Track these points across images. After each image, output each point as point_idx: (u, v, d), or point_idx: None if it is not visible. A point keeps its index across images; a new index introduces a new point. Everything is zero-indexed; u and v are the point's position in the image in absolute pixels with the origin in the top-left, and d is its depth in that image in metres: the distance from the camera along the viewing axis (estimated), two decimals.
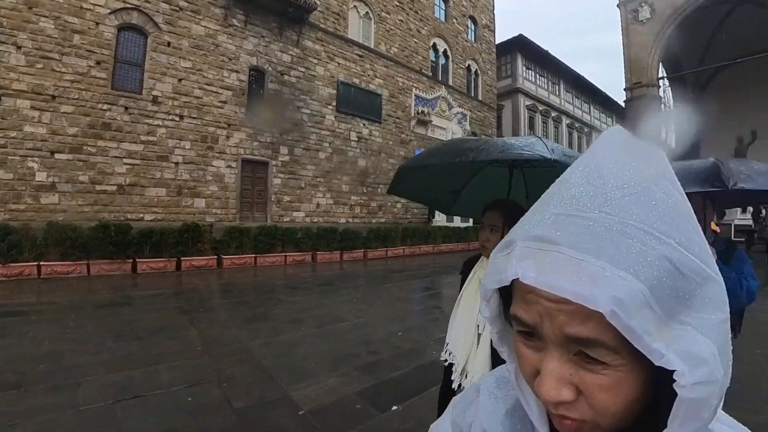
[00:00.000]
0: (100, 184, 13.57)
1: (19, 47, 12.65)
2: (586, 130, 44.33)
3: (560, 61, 38.36)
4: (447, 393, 1.82)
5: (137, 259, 9.09)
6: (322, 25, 20.21)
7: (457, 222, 20.68)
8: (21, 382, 3.91)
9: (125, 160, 14.06)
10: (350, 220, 20.53)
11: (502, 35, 33.37)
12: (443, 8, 28.06)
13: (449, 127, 27.16)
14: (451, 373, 1.78)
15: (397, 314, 7.52)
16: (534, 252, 0.41)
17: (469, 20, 30.34)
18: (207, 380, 4.22)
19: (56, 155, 12.86)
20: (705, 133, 30.71)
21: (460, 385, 1.73)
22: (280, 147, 18.19)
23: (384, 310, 7.83)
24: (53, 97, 12.88)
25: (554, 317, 0.40)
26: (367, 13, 22.86)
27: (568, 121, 41.37)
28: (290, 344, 5.50)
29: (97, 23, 13.93)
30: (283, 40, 18.61)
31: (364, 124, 21.98)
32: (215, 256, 10.44)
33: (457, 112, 27.76)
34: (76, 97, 13.26)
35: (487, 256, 1.74)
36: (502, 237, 1.62)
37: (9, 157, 12.31)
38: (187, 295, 8.17)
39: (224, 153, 16.39)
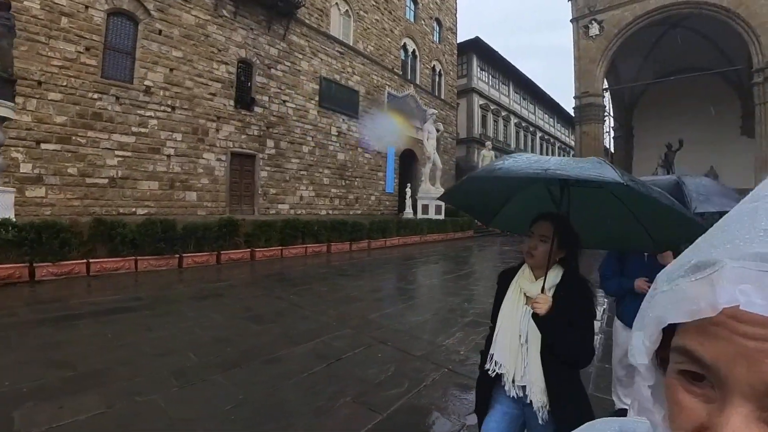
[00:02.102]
0: (90, 176, 12.38)
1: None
2: (531, 129, 45.93)
3: (512, 64, 39.44)
4: (482, 399, 1.82)
5: (183, 255, 8.79)
6: (307, 21, 19.46)
7: (431, 215, 20.93)
8: (237, 361, 4.07)
9: (117, 152, 12.90)
10: (330, 211, 20.22)
11: (459, 34, 33.47)
12: (413, 9, 27.86)
13: (417, 124, 27.24)
14: (486, 381, 1.78)
15: (449, 289, 8.46)
16: (757, 274, 0.28)
17: (435, 22, 30.35)
18: (373, 344, 4.78)
19: (43, 145, 11.57)
20: (638, 139, 32.84)
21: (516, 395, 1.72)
22: (267, 140, 17.47)
23: (436, 287, 8.83)
24: (39, 83, 11.52)
25: (756, 361, 0.28)
26: (347, 11, 22.25)
27: (515, 121, 42.63)
28: (399, 315, 6.19)
29: (87, 6, 12.54)
30: (271, 34, 17.75)
31: (343, 120, 21.59)
32: (249, 249, 10.32)
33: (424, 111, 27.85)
34: (65, 84, 11.95)
35: (532, 265, 1.77)
36: (551, 248, 1.66)
37: None
38: (262, 284, 8.18)
39: (214, 146, 15.50)
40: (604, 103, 30.76)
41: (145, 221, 8.63)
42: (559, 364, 1.61)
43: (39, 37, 11.53)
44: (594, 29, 29.43)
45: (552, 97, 48.45)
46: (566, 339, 1.56)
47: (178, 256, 8.85)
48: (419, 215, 21.43)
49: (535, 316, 1.57)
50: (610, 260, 3.04)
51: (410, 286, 9.08)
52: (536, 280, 1.73)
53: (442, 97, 30.95)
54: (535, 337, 1.64)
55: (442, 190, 22.95)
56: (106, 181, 12.69)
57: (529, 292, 1.72)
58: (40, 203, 11.48)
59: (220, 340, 4.67)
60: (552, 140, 51.60)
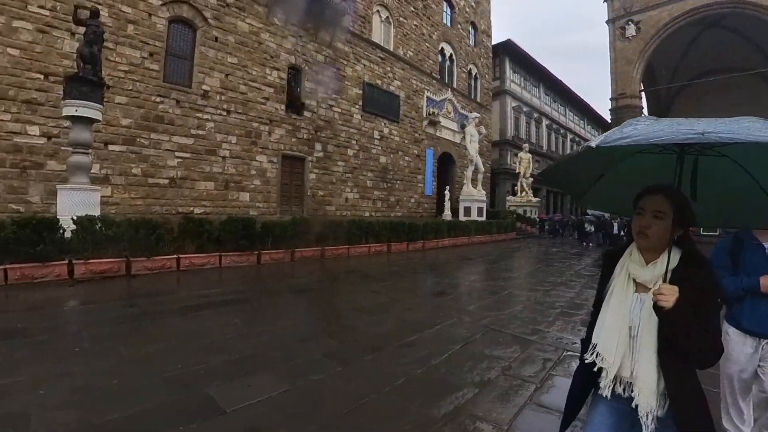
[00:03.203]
0: (152, 177, 12.51)
1: (73, 34, 11.36)
2: (562, 131, 44.77)
3: (543, 65, 38.46)
4: (580, 395, 1.58)
5: (261, 251, 8.92)
6: (351, 28, 19.33)
7: (473, 217, 20.48)
8: (376, 345, 4.23)
9: (177, 154, 13.03)
10: (373, 213, 20.00)
11: (491, 37, 32.89)
12: (449, 14, 27.47)
13: (455, 128, 26.87)
14: (586, 373, 1.51)
15: (524, 284, 8.61)
16: None
17: (470, 26, 29.86)
18: (487, 330, 4.96)
19: (110, 147, 11.73)
20: None
21: (614, 392, 1.45)
22: (315, 143, 17.42)
23: (510, 283, 8.88)
24: (107, 87, 11.65)
25: None
26: (387, 17, 22.08)
27: (547, 122, 41.61)
28: (493, 307, 6.24)
29: (150, 14, 12.71)
30: (318, 41, 17.70)
31: (384, 124, 21.39)
32: (320, 247, 10.41)
33: (461, 114, 27.43)
34: (130, 88, 12.10)
35: (644, 246, 1.44)
36: (670, 226, 1.37)
37: (62, 148, 11.11)
38: (346, 280, 8.33)
39: (266, 148, 15.52)
40: (641, 104, 29.64)
41: (228, 220, 8.72)
42: (682, 364, 1.32)
43: (107, 44, 11.64)
44: (630, 30, 28.43)
45: (582, 98, 47.16)
46: (694, 334, 1.26)
47: (257, 252, 8.92)
48: (461, 217, 20.96)
49: (657, 309, 1.28)
50: (719, 255, 2.40)
51: (487, 282, 9.08)
52: (647, 264, 1.44)
53: (478, 100, 30.43)
54: (649, 330, 1.37)
55: (484, 193, 22.54)
56: (166, 181, 12.81)
57: (640, 278, 1.45)
58: (107, 202, 11.57)
59: (346, 328, 4.87)
60: (583, 141, 50.17)
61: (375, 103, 20.67)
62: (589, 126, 52.85)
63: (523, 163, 28.98)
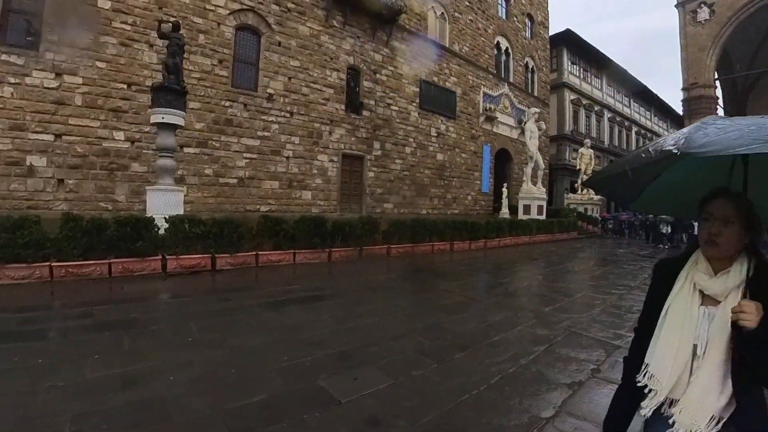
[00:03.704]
0: (222, 177, 13.11)
1: (151, 45, 12.11)
2: (626, 124, 42.16)
3: (604, 54, 36.21)
4: (622, 415, 1.44)
5: (332, 249, 9.18)
6: (407, 26, 19.23)
7: (533, 215, 19.72)
8: (463, 344, 4.27)
9: (244, 155, 13.57)
10: (430, 211, 19.80)
11: (549, 28, 31.47)
12: (505, 6, 26.60)
13: (512, 123, 26.08)
14: (631, 393, 1.35)
15: (594, 286, 8.29)
16: None
17: (527, 18, 28.74)
18: (568, 333, 4.87)
19: (185, 149, 12.36)
20: None
21: (662, 414, 1.26)
22: (374, 142, 17.51)
23: (580, 284, 8.74)
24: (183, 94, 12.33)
25: None
26: (442, 13, 21.73)
27: (609, 115, 39.30)
28: (567, 309, 6.12)
29: (219, 24, 13.29)
30: (375, 41, 17.77)
31: (441, 121, 21.09)
32: (386, 245, 10.55)
33: (518, 109, 26.57)
34: (202, 94, 12.70)
35: (714, 255, 1.23)
36: (741, 232, 1.20)
37: (143, 152, 11.88)
38: (417, 278, 8.42)
39: (327, 148, 15.80)
40: (716, 94, 27.21)
41: (301, 218, 8.96)
42: (756, 388, 1.18)
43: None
44: (703, 14, 26.16)
45: (648, 87, 43.93)
46: None
47: (328, 250, 9.11)
48: (520, 215, 20.26)
49: (735, 327, 1.13)
50: None
51: (558, 283, 8.77)
52: (717, 274, 1.26)
53: (536, 93, 29.26)
54: (718, 348, 1.19)
55: (544, 190, 21.67)
56: (235, 180, 13.37)
57: (709, 290, 1.26)
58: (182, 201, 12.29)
59: (431, 327, 4.86)
60: (649, 135, 46.91)
61: (432, 101, 20.40)
62: (657, 117, 49.35)
63: (584, 159, 27.44)
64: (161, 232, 7.09)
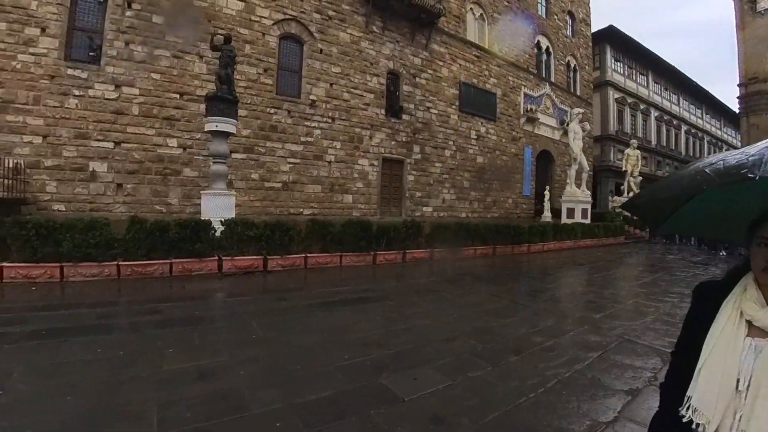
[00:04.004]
0: (268, 181, 13.53)
1: (201, 57, 12.66)
2: (675, 122, 40.21)
3: (650, 50, 34.63)
4: None
5: (377, 252, 9.33)
6: (446, 29, 19.18)
7: (577, 219, 19.10)
8: (515, 348, 4.34)
9: (289, 160, 13.96)
10: (469, 214, 19.61)
11: (591, 25, 30.51)
12: (544, 5, 26.03)
13: (554, 124, 25.49)
14: (669, 421, 1.22)
15: (646, 294, 7.82)
16: None
17: (567, 15, 27.99)
18: (622, 341, 4.72)
19: (233, 155, 12.81)
20: None
21: None
22: (413, 146, 17.55)
23: (632, 292, 8.37)
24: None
25: None
26: (481, 14, 21.53)
27: (656, 114, 37.58)
28: (618, 316, 5.91)
29: (264, 34, 13.74)
30: (414, 45, 17.84)
31: (481, 123, 20.87)
32: (429, 249, 10.56)
33: (560, 109, 25.94)
34: (249, 102, 13.14)
35: None
36: None
37: (194, 157, 12.43)
38: (461, 282, 8.32)
39: (368, 152, 16.00)
40: None
41: (347, 222, 9.14)
42: None
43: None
44: (764, 2, 24.66)
45: (699, 84, 41.64)
46: None
47: (372, 253, 9.22)
48: (563, 219, 19.67)
49: None
50: None
51: (607, 290, 8.51)
52: None
53: (578, 93, 28.41)
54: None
55: (588, 194, 20.95)
56: (280, 185, 13.77)
57: (759, 322, 1.13)
58: None
59: (481, 330, 4.84)
60: (700, 134, 44.51)
61: (471, 103, 20.23)
62: (708, 116, 46.74)
63: (631, 160, 26.35)
64: (217, 234, 7.39)
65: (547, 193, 21.54)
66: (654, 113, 37.32)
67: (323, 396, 2.91)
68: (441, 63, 18.93)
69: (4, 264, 5.89)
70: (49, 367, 3.21)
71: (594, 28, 30.77)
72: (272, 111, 13.65)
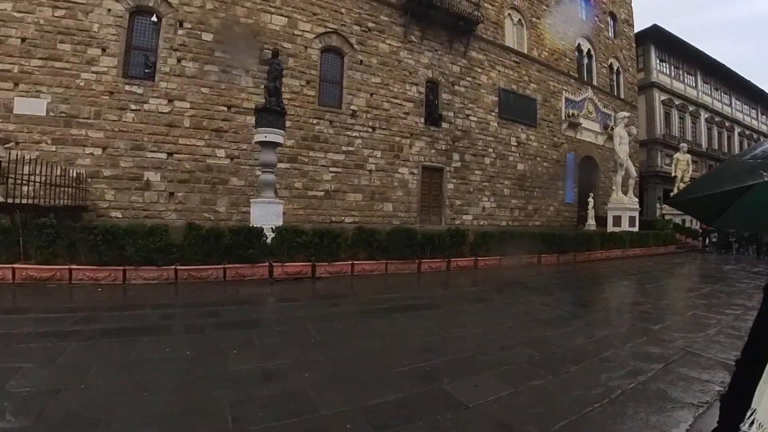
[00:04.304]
0: (311, 190, 13.84)
1: (247, 71, 13.17)
2: (727, 124, 38.17)
3: (698, 49, 33.02)
4: None
5: (421, 260, 9.30)
6: (484, 35, 19.12)
7: (624, 227, 18.41)
8: (574, 358, 4.18)
9: (331, 169, 14.25)
10: (510, 222, 19.26)
11: (634, 25, 29.53)
12: (584, 7, 25.47)
13: (597, 129, 24.82)
14: None
15: (704, 306, 7.50)
16: None
17: (608, 17, 27.24)
18: (685, 354, 4.52)
19: (278, 164, 13.17)
20: None
21: None
22: (453, 153, 17.51)
23: (688, 303, 8.03)
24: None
25: None
26: (519, 19, 21.34)
27: (706, 116, 35.77)
28: (678, 329, 5.71)
29: (306, 47, 14.16)
30: (453, 53, 17.88)
31: (522, 129, 20.55)
32: (473, 257, 10.47)
33: (604, 114, 25.24)
34: (292, 113, 13.51)
35: None
36: None
37: (241, 167, 12.90)
38: (509, 291, 8.19)
39: (408, 161, 16.09)
40: None
41: (392, 230, 9.18)
42: None
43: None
44: None
45: (753, 82, 39.27)
46: None
47: (417, 261, 9.20)
48: (609, 227, 18.98)
49: None
50: None
51: (662, 301, 8.14)
52: None
53: (622, 96, 27.49)
54: None
55: (636, 201, 20.19)
56: (322, 193, 14.07)
57: None
58: None
59: (537, 340, 4.75)
60: (755, 136, 41.95)
61: (511, 109, 19.97)
62: (765, 116, 44.08)
63: (680, 165, 25.15)
64: (268, 241, 7.62)
65: (590, 200, 20.91)
66: (704, 115, 35.60)
67: (389, 400, 2.94)
68: (480, 70, 18.86)
69: (73, 266, 6.25)
70: (124, 364, 3.37)
71: (637, 28, 29.76)
72: (315, 121, 14.00)
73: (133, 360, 3.46)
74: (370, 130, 15.20)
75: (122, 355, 3.55)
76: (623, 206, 19.33)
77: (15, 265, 6.06)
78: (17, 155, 7.89)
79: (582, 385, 3.45)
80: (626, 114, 20.78)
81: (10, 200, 7.61)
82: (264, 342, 4.16)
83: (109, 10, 11.85)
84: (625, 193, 20.12)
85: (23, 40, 11.11)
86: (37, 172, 8.36)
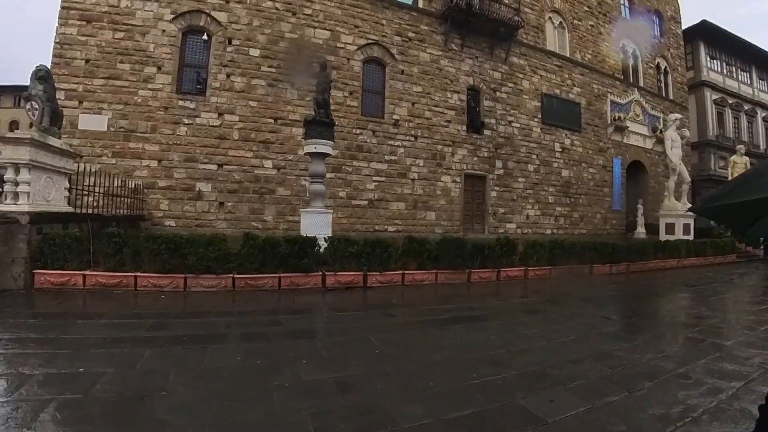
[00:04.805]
0: (354, 199, 14.05)
1: (292, 84, 13.58)
2: None
3: (752, 44, 31.25)
4: None
5: (471, 270, 9.24)
6: (525, 40, 18.93)
7: (679, 235, 17.61)
8: (648, 374, 4.02)
9: (374, 178, 14.42)
10: (555, 231, 18.82)
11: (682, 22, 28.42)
12: (627, 6, 24.79)
13: (645, 132, 24.02)
14: None
15: None
16: None
17: (654, 15, 26.41)
18: None
19: None
20: None
21: None
22: (496, 161, 17.34)
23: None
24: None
25: None
26: (561, 22, 21.01)
27: (764, 114, 33.76)
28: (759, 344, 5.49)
29: (348, 59, 14.48)
30: (494, 59, 17.78)
31: (566, 134, 20.09)
32: (523, 267, 10.35)
33: (652, 116, 24.40)
34: (336, 123, 13.69)
35: None
36: None
37: (287, 177, 13.27)
38: (564, 302, 8.01)
39: (450, 169, 16.08)
40: None
41: (442, 240, 9.16)
42: None
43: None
44: None
45: None
46: None
47: (467, 271, 9.16)
48: (662, 235, 18.22)
49: None
50: None
51: (728, 314, 7.74)
52: None
53: (671, 97, 26.45)
54: None
55: (690, 206, 19.34)
56: (365, 202, 14.25)
57: None
58: None
59: (604, 354, 4.61)
60: None
61: (554, 114, 19.60)
62: None
63: (738, 167, 23.80)
64: (321, 250, 7.79)
65: (640, 207, 20.18)
66: (761, 114, 33.68)
67: (467, 413, 2.92)
68: (521, 75, 18.66)
69: (138, 273, 6.57)
70: (200, 372, 3.46)
71: (684, 25, 28.64)
72: (358, 131, 14.25)
73: (207, 367, 3.57)
74: (413, 138, 15.31)
75: (196, 363, 3.66)
76: (677, 213, 18.51)
77: (86, 272, 6.44)
78: (82, 168, 8.42)
79: (660, 403, 3.36)
80: (678, 116, 19.98)
81: (78, 210, 8.14)
82: (330, 352, 4.19)
83: (164, 30, 12.56)
84: (678, 199, 19.29)
85: (87, 61, 11.93)
86: (99, 183, 8.89)
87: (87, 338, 4.19)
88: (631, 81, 24.12)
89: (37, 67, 7.23)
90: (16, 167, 6.72)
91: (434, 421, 2.77)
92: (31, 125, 7.33)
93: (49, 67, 7.55)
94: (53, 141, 7.27)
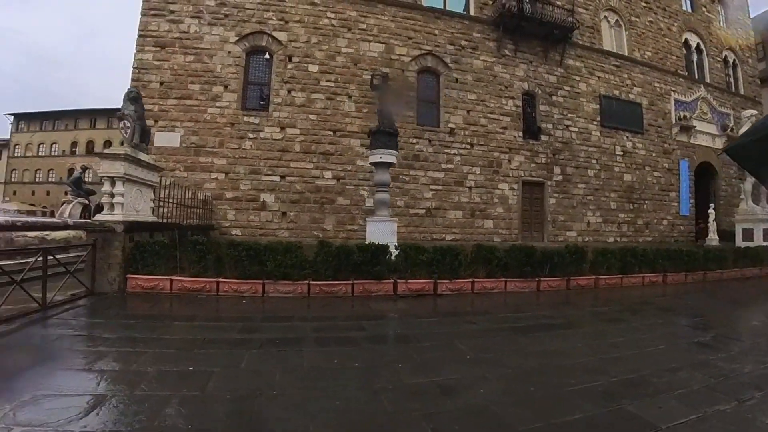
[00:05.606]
0: (412, 207, 14.22)
1: (350, 97, 14.03)
2: None
3: None
4: None
5: (540, 278, 9.13)
6: (580, 42, 18.53)
7: (759, 241, 16.46)
8: (731, 389, 3.74)
9: (431, 187, 14.54)
10: (618, 238, 18.09)
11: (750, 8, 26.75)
12: None
13: (714, 131, 22.78)
14: None
15: None
16: None
17: (718, 4, 25.04)
18: None
19: None
20: None
21: None
22: (554, 167, 16.96)
23: None
24: None
25: None
26: (617, 20, 20.41)
27: None
28: None
29: (403, 70, 14.78)
30: (548, 62, 17.49)
31: (627, 137, 19.31)
32: (593, 276, 10.08)
33: (721, 113, 23.12)
34: None
35: None
36: None
37: (346, 187, 13.66)
38: (643, 311, 7.71)
39: (507, 176, 15.90)
40: None
41: (512, 248, 9.11)
42: None
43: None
44: None
45: None
46: None
47: (537, 279, 9.05)
48: (738, 242, 17.12)
49: None
50: None
51: None
52: None
53: (741, 92, 24.77)
54: None
55: None
56: (423, 211, 14.38)
57: None
58: None
59: (701, 363, 4.43)
60: None
61: (614, 116, 18.92)
62: None
63: None
64: (392, 258, 7.99)
65: (711, 212, 19.07)
66: None
67: (576, 418, 2.90)
68: (577, 78, 18.24)
69: (220, 279, 6.98)
70: (303, 372, 3.57)
71: (754, 12, 26.97)
72: (414, 141, 14.48)
73: (309, 368, 3.68)
74: (469, 146, 15.33)
75: (296, 364, 3.78)
76: (756, 218, 17.35)
77: (172, 277, 6.91)
78: (159, 182, 9.09)
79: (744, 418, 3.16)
80: (754, 112, 18.84)
81: (159, 220, 8.79)
82: (422, 357, 4.21)
83: (230, 52, 13.40)
84: (756, 202, 18.12)
85: (161, 83, 12.92)
86: (173, 195, 9.54)
87: (186, 338, 4.47)
88: (696, 77, 22.97)
89: (128, 89, 7.96)
90: (112, 180, 7.39)
91: (546, 425, 2.77)
92: (122, 143, 8.03)
93: (138, 90, 8.30)
94: (143, 156, 7.92)
